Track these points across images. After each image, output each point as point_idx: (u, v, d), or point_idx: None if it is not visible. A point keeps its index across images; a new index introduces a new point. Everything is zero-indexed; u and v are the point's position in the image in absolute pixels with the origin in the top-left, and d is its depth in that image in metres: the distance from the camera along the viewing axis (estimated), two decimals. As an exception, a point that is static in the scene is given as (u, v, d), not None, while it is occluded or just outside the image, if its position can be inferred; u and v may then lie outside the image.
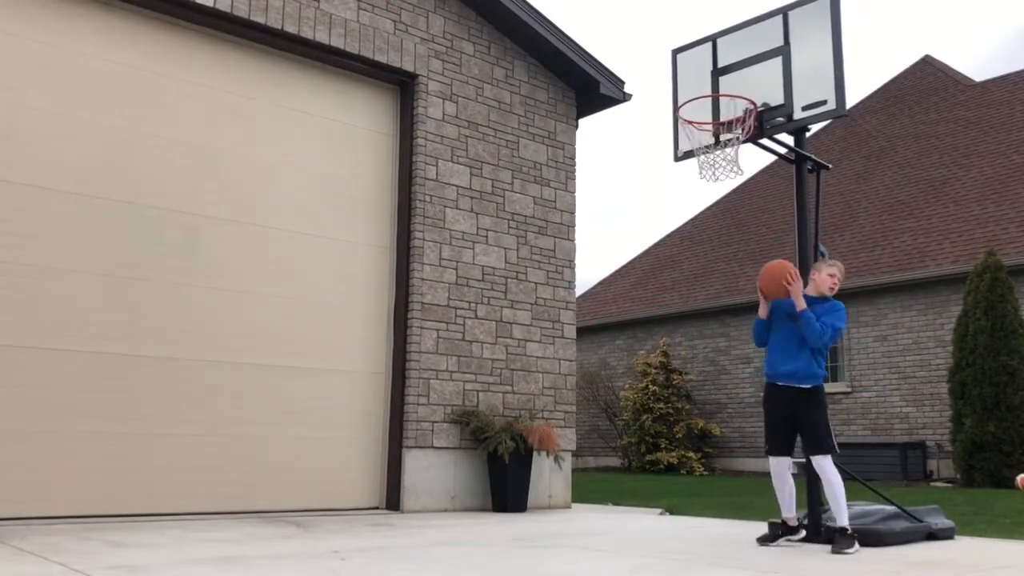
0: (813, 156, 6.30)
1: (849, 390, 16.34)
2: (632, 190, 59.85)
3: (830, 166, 6.71)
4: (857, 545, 5.28)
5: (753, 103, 6.17)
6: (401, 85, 8.39)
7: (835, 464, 5.46)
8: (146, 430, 6.65)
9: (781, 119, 6.22)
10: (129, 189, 6.80)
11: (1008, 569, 4.72)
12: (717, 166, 6.17)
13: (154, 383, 6.73)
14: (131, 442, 6.58)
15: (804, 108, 6.14)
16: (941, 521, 6.14)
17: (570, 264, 9.17)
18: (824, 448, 5.42)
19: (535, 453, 8.08)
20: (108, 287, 6.62)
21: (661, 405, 18.04)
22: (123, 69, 6.91)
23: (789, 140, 6.32)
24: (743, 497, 10.26)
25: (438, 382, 7.96)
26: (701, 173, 6.22)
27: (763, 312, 5.73)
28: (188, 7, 7.04)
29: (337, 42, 7.78)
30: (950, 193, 17.25)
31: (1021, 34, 50.35)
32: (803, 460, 5.67)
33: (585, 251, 54.22)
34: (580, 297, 23.08)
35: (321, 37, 7.69)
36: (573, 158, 9.38)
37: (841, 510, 5.36)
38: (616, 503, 9.52)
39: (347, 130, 8.07)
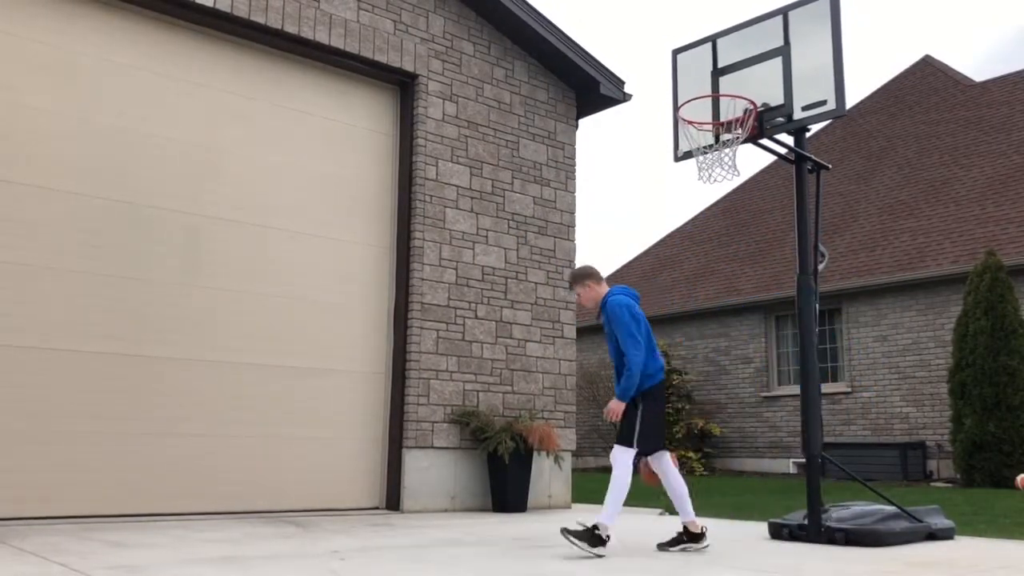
0: (813, 156, 6.30)
1: (849, 390, 16.34)
2: (632, 190, 59.84)
3: (830, 166, 6.71)
4: (596, 549, 4.89)
5: (753, 103, 6.17)
6: (401, 85, 8.39)
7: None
8: (146, 430, 6.65)
9: (781, 119, 6.22)
10: (129, 189, 6.80)
11: (1008, 569, 4.72)
12: (715, 167, 6.17)
13: (154, 383, 6.73)
14: (131, 442, 6.58)
15: (804, 108, 6.14)
16: (941, 521, 6.14)
17: (570, 264, 9.17)
18: (622, 440, 5.19)
19: (535, 453, 8.08)
20: (108, 287, 6.62)
21: (661, 405, 18.01)
22: (123, 69, 6.91)
23: (789, 140, 6.32)
24: (743, 497, 10.26)
25: (438, 382, 7.96)
26: (700, 175, 6.22)
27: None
28: (188, 7, 7.04)
29: (337, 42, 7.78)
30: (950, 193, 17.25)
31: (1021, 34, 50.34)
32: (802, 460, 5.65)
33: (585, 251, 54.19)
34: (580, 297, 23.02)
35: (321, 37, 7.69)
36: (573, 158, 9.38)
37: (609, 505, 5.02)
38: (616, 503, 9.50)
39: (347, 130, 8.07)
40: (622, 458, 5.16)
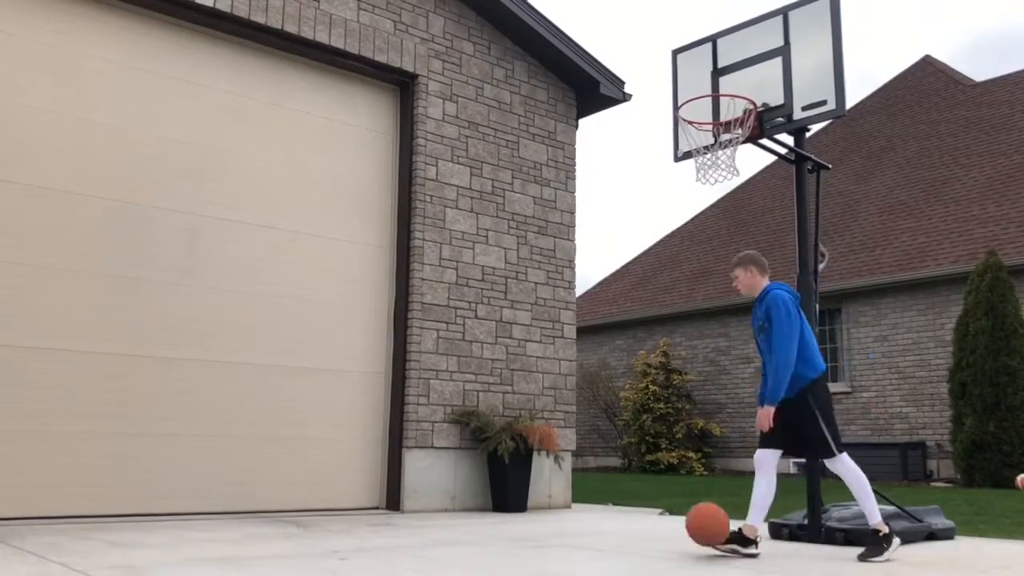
0: (813, 156, 6.30)
1: (849, 390, 16.34)
2: (632, 190, 59.83)
3: (830, 166, 6.72)
4: (892, 547, 4.99)
5: (753, 103, 6.18)
6: (401, 85, 8.39)
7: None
8: (146, 430, 6.65)
9: (781, 119, 6.23)
10: (129, 189, 6.80)
11: (1008, 569, 4.72)
12: (714, 168, 6.17)
13: (154, 383, 6.73)
14: (131, 442, 6.58)
15: (804, 108, 6.14)
16: (941, 521, 6.14)
17: (570, 264, 9.17)
18: (828, 452, 5.26)
19: (535, 453, 8.08)
20: (108, 287, 6.62)
21: (661, 405, 18.04)
22: (123, 69, 6.91)
23: (789, 140, 6.33)
24: (743, 497, 10.25)
25: (438, 382, 7.96)
26: (698, 176, 6.22)
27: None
28: (188, 7, 7.04)
29: (337, 42, 7.78)
30: (950, 193, 17.25)
31: (1021, 34, 50.33)
32: (802, 460, 5.63)
33: (585, 251, 54.20)
34: (580, 297, 23.08)
35: (321, 37, 7.69)
36: (573, 158, 9.38)
37: (868, 507, 5.18)
38: (616, 503, 9.52)
39: (347, 130, 8.08)
40: (848, 464, 5.20)
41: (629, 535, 6.14)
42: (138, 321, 6.72)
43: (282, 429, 7.30)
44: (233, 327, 7.16)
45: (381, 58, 8.05)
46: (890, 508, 5.93)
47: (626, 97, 9.47)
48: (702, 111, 6.43)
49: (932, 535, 5.94)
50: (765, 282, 5.45)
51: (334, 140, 7.98)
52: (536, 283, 8.83)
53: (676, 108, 6.62)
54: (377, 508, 7.78)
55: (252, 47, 7.58)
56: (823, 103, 6.06)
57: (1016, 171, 16.68)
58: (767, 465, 5.22)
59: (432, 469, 7.85)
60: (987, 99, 19.63)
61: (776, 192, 21.45)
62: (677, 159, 6.69)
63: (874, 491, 6.35)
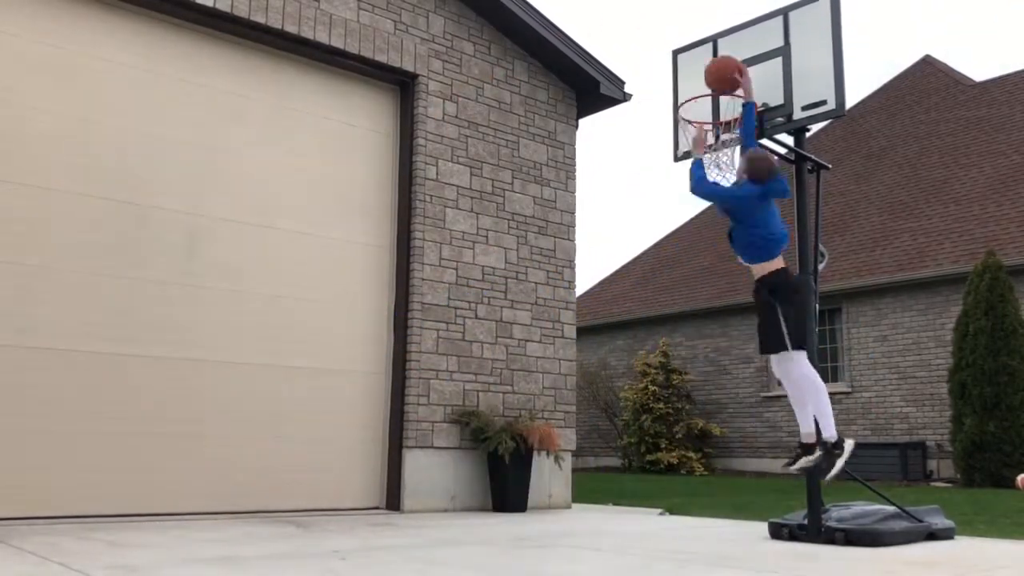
0: (813, 156, 6.30)
1: (849, 390, 16.34)
2: (632, 190, 59.83)
3: (830, 166, 6.71)
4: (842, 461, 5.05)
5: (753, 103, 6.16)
6: (401, 85, 8.39)
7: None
8: (145, 430, 6.65)
9: (781, 119, 6.22)
10: (129, 189, 6.80)
11: (1008, 569, 4.72)
12: (713, 167, 6.16)
13: (153, 383, 6.72)
14: (131, 442, 6.58)
15: (804, 108, 6.14)
16: (941, 521, 6.14)
17: (570, 264, 9.17)
18: (781, 344, 5.27)
19: (535, 453, 8.08)
20: (108, 287, 6.62)
21: (661, 405, 18.04)
22: (123, 69, 6.91)
23: (789, 140, 6.32)
24: (743, 497, 10.26)
25: (438, 382, 7.96)
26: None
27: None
28: (188, 7, 7.04)
29: (337, 42, 7.78)
30: (950, 193, 17.25)
31: (1021, 34, 50.33)
32: (808, 463, 5.60)
33: (585, 251, 54.24)
34: (580, 297, 23.08)
35: (321, 37, 7.69)
36: (573, 158, 9.38)
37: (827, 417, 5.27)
38: (616, 503, 9.52)
39: (347, 130, 8.07)
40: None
41: (629, 535, 6.14)
42: (138, 321, 6.71)
43: (282, 429, 7.30)
44: (232, 327, 7.16)
45: (381, 58, 8.05)
46: (890, 508, 5.93)
47: (626, 97, 9.47)
48: (702, 111, 6.43)
49: (932, 535, 5.94)
50: None
51: (334, 140, 7.98)
52: (536, 283, 8.83)
53: (676, 108, 6.62)
54: (377, 508, 7.78)
55: (252, 47, 7.58)
56: (823, 103, 6.05)
57: (1016, 171, 16.68)
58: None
59: (432, 469, 7.85)
60: (987, 99, 19.63)
61: (776, 192, 21.42)
62: (677, 159, 6.68)
63: (874, 491, 6.35)
